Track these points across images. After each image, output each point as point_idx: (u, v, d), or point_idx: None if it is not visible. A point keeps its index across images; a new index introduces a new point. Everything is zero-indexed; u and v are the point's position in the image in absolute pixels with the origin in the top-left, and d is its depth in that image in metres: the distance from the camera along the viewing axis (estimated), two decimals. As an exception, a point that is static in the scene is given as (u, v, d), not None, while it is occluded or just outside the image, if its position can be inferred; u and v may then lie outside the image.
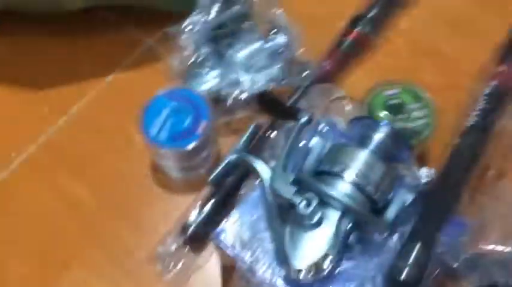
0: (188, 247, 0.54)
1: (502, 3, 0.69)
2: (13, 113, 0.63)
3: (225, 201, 0.54)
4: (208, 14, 0.61)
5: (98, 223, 0.57)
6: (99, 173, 0.60)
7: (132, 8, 0.67)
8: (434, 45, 0.67)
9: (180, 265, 0.53)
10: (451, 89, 0.61)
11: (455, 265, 0.39)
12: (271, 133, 0.55)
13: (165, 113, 0.54)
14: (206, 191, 0.56)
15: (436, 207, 0.41)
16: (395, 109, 0.53)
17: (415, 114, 0.52)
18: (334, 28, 0.66)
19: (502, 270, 0.39)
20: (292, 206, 0.39)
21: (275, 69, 0.59)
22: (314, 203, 0.38)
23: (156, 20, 0.69)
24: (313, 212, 0.39)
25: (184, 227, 0.54)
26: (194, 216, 0.54)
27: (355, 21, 0.65)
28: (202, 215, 0.54)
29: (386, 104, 0.53)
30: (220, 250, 0.45)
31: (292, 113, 0.44)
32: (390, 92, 0.54)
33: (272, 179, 0.41)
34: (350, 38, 0.64)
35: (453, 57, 0.66)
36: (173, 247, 0.54)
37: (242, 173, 0.54)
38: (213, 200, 0.54)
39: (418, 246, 0.39)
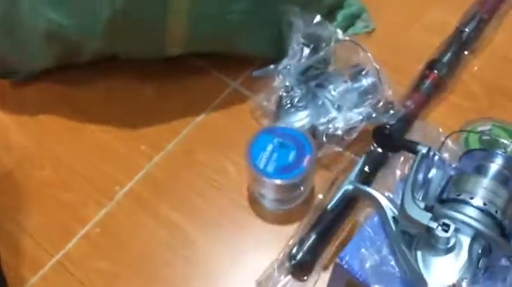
0: (293, 275, 0.56)
1: None
2: (113, 151, 0.67)
3: (328, 230, 0.57)
4: (300, 58, 0.66)
5: (201, 254, 0.59)
6: (197, 206, 0.62)
7: (219, 55, 0.72)
8: (507, 86, 0.71)
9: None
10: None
11: None
12: (367, 163, 0.58)
13: (270, 148, 0.58)
14: (305, 221, 0.59)
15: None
16: (490, 145, 0.56)
17: (510, 149, 0.55)
18: (412, 72, 0.70)
19: None
20: (428, 231, 0.42)
21: (366, 108, 0.63)
22: (452, 228, 0.41)
23: (239, 65, 0.74)
24: (451, 236, 0.41)
25: (291, 255, 0.56)
26: (298, 245, 0.56)
27: (431, 65, 0.69)
28: (308, 243, 0.56)
29: (481, 141, 0.56)
30: (340, 275, 0.47)
31: (409, 147, 0.47)
32: (481, 128, 0.57)
33: (403, 207, 0.43)
34: (429, 80, 0.68)
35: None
36: (279, 276, 0.56)
37: (344, 203, 0.57)
38: (316, 229, 0.56)
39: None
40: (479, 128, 0.56)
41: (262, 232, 0.61)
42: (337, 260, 0.47)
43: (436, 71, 0.69)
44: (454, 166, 0.51)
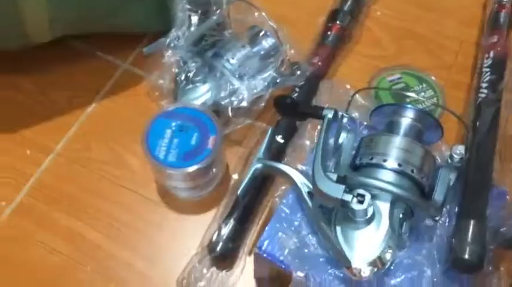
0: (217, 266, 0.51)
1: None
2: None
3: (247, 213, 0.52)
4: (189, 27, 0.59)
5: (113, 261, 0.52)
6: (101, 209, 0.55)
7: (101, 36, 0.63)
8: (412, 28, 0.68)
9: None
10: (440, 68, 0.62)
11: (509, 235, 0.39)
12: (277, 134, 0.53)
13: (168, 134, 0.51)
14: (222, 207, 0.54)
15: (477, 181, 0.41)
16: (402, 94, 0.53)
17: (422, 95, 0.52)
18: (313, 26, 0.65)
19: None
20: (343, 205, 0.38)
21: (269, 73, 0.58)
22: (367, 198, 0.37)
23: (127, 43, 0.66)
24: (367, 207, 0.37)
25: (211, 247, 0.51)
26: (217, 234, 0.51)
27: (333, 16, 0.65)
28: (228, 231, 0.51)
29: (391, 91, 0.53)
30: (262, 262, 0.43)
31: (315, 112, 0.43)
32: (391, 78, 0.54)
33: (315, 182, 0.39)
34: (333, 32, 0.64)
35: (431, 37, 0.67)
36: (202, 269, 0.51)
37: (258, 182, 0.53)
38: (234, 215, 0.52)
39: (472, 222, 0.39)
40: (389, 78, 0.53)
41: (179, 226, 0.55)
42: (256, 249, 0.42)
43: (338, 22, 0.64)
44: (366, 124, 0.47)
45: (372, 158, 0.40)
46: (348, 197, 0.37)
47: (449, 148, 0.43)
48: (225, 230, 0.51)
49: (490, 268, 0.38)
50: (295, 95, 0.58)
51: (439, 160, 0.44)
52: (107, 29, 0.62)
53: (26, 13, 0.52)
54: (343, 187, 0.38)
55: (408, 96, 0.52)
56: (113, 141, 0.59)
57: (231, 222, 0.51)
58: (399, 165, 0.39)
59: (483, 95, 0.48)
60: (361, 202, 0.37)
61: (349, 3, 0.66)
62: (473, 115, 0.47)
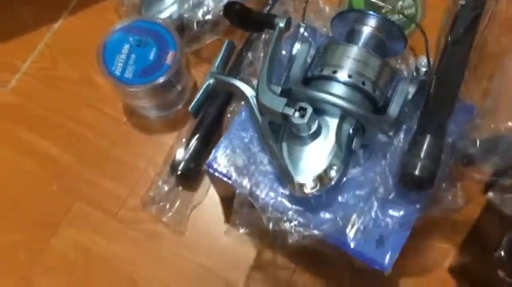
0: (181, 185, 0.50)
1: None
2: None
3: (210, 132, 0.50)
4: None
5: (80, 179, 0.52)
6: (67, 129, 0.54)
7: None
8: None
9: (176, 205, 0.50)
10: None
11: (471, 151, 0.36)
12: (247, 51, 0.50)
13: (126, 49, 0.49)
14: (188, 126, 0.52)
15: (441, 94, 0.38)
16: (376, 4, 0.48)
17: (400, 4, 0.47)
18: None
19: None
20: (285, 119, 0.35)
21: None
22: (309, 111, 0.34)
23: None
24: (310, 122, 0.35)
25: (174, 166, 0.50)
26: (181, 153, 0.50)
27: None
28: (190, 150, 0.50)
29: (367, 1, 0.48)
30: (216, 180, 0.41)
31: (267, 21, 0.39)
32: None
33: (258, 94, 0.37)
34: None
35: None
36: (166, 188, 0.50)
37: (223, 99, 0.50)
38: (198, 134, 0.50)
39: (427, 138, 0.36)
40: (364, -16, 0.48)
41: (147, 146, 0.54)
42: (204, 167, 0.41)
43: None
44: (330, 35, 0.43)
45: (321, 70, 0.37)
46: (289, 111, 0.35)
47: (415, 60, 0.39)
48: (188, 150, 0.50)
49: (444, 185, 0.36)
50: (269, 7, 0.54)
51: (405, 73, 0.41)
52: None
53: None
54: (285, 100, 0.35)
55: (383, 7, 0.47)
56: (79, 60, 0.57)
57: (193, 142, 0.50)
58: (349, 77, 0.36)
59: (463, 1, 0.43)
60: (302, 116, 0.34)
61: None
62: (450, 24, 0.43)
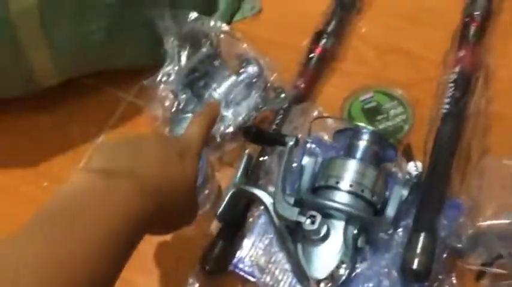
0: (209, 282, 0.56)
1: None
2: (13, 192, 0.65)
3: (235, 232, 0.57)
4: (179, 61, 0.65)
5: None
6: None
7: (106, 71, 0.70)
8: (397, 43, 0.70)
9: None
10: (422, 82, 0.64)
11: (459, 245, 0.41)
12: (263, 159, 0.58)
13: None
14: (215, 226, 0.59)
15: (431, 195, 0.44)
16: (374, 112, 0.56)
17: (393, 112, 0.55)
18: (300, 48, 0.69)
19: (503, 241, 0.42)
20: (299, 225, 0.42)
21: (253, 99, 0.62)
22: (318, 219, 0.41)
23: (130, 76, 0.72)
24: (320, 227, 0.41)
25: (203, 264, 0.56)
26: (210, 251, 0.56)
27: (317, 38, 0.69)
28: (218, 249, 0.56)
29: (363, 110, 0.56)
30: (241, 278, 0.47)
31: (279, 140, 0.47)
32: (364, 97, 0.57)
33: (274, 204, 0.44)
34: (316, 54, 0.67)
35: (417, 51, 0.68)
36: (196, 285, 0.56)
37: (246, 202, 0.57)
38: (224, 234, 0.56)
39: (422, 235, 0.42)
40: (361, 98, 0.56)
41: (178, 244, 0.60)
42: (231, 267, 0.47)
43: (322, 43, 0.68)
44: (333, 145, 0.51)
45: (326, 181, 0.44)
46: (301, 219, 0.42)
47: (407, 164, 0.46)
48: (215, 249, 0.56)
49: (440, 277, 0.41)
50: (280, 117, 0.62)
51: (399, 176, 0.47)
52: (108, 67, 0.68)
53: (34, 63, 0.60)
54: (297, 209, 0.42)
55: (378, 115, 0.55)
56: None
57: (220, 242, 0.56)
58: (351, 186, 0.43)
59: (446, 110, 0.50)
60: (313, 222, 0.41)
61: (332, 24, 0.70)
62: (435, 129, 0.50)
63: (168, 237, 0.60)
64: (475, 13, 0.59)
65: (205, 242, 0.57)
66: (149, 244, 0.60)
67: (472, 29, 0.57)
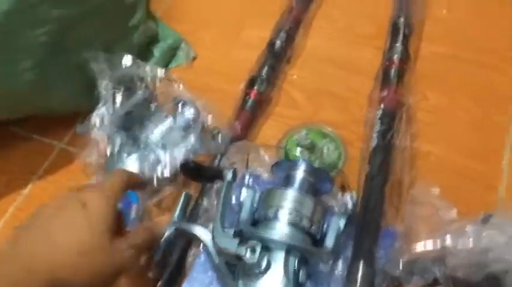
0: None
1: (370, 39, 0.78)
2: None
3: (174, 277, 0.55)
4: (114, 104, 0.64)
5: None
6: None
7: (37, 118, 0.68)
8: (324, 86, 0.73)
9: None
10: (351, 122, 0.67)
11: (397, 273, 0.42)
12: (202, 201, 0.57)
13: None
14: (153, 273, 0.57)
15: (366, 225, 0.45)
16: (308, 151, 0.57)
17: (326, 149, 0.57)
18: (234, 94, 0.71)
19: (437, 265, 0.43)
20: (239, 259, 0.41)
21: (190, 141, 0.62)
22: (258, 248, 0.41)
23: (62, 123, 0.70)
24: (260, 259, 0.41)
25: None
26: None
27: (251, 82, 0.71)
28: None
29: (298, 147, 0.57)
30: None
31: (216, 174, 0.47)
32: (298, 136, 0.59)
33: (214, 237, 0.43)
34: (251, 97, 0.69)
35: (344, 94, 0.72)
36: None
37: (183, 245, 0.56)
38: (162, 278, 0.54)
39: (361, 264, 0.42)
40: (295, 137, 0.58)
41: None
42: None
43: (256, 87, 0.70)
44: (270, 179, 0.51)
45: (266, 212, 0.44)
46: (241, 251, 0.41)
47: (343, 196, 0.47)
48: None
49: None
50: (219, 158, 0.62)
51: (336, 208, 0.48)
52: (38, 110, 0.66)
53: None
54: (237, 241, 0.41)
55: (312, 153, 0.56)
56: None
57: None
58: (290, 214, 0.43)
59: (373, 144, 0.53)
60: (253, 252, 0.40)
61: (265, 70, 0.72)
62: (366, 163, 0.52)
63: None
64: (394, 56, 0.63)
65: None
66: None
67: (393, 70, 0.61)
